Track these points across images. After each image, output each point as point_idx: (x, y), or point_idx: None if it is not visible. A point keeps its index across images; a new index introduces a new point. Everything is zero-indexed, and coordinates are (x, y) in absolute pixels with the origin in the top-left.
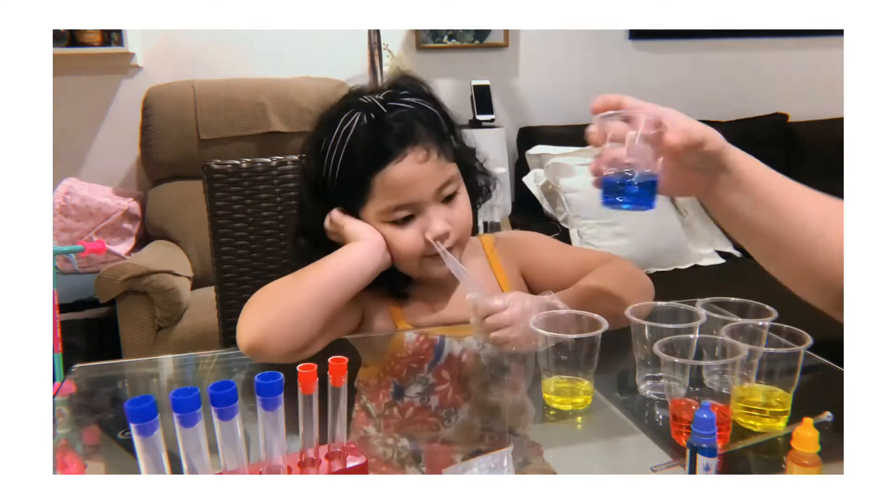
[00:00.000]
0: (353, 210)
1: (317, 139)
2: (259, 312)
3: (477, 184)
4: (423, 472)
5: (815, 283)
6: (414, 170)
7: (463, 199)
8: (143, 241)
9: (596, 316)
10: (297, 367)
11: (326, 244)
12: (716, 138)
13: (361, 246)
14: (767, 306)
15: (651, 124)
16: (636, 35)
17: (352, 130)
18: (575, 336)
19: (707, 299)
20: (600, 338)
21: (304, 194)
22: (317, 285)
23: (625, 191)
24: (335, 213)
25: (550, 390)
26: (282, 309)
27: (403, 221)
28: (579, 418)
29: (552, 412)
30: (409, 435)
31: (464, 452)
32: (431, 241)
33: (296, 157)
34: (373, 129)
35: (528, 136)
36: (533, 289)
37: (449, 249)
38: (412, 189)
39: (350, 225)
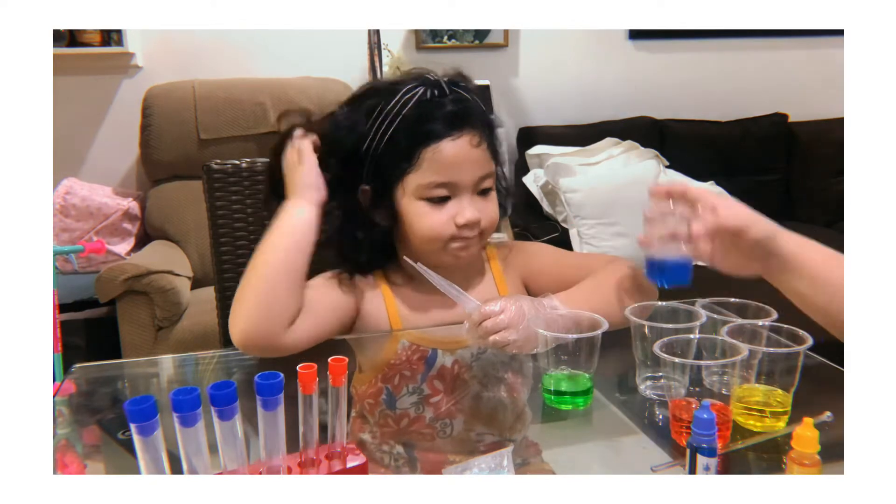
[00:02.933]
0: (390, 181)
1: (370, 104)
2: (236, 309)
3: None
4: None
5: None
6: (465, 151)
7: (494, 197)
8: (143, 241)
9: (596, 316)
10: (298, 368)
11: (358, 220)
12: (759, 227)
13: (302, 211)
14: (767, 307)
15: (707, 212)
16: (636, 35)
17: (413, 100)
18: (575, 336)
19: (707, 299)
20: (600, 338)
21: (333, 166)
22: (271, 264)
23: (665, 270)
24: (303, 141)
25: (551, 390)
26: (250, 298)
27: (438, 201)
28: (579, 418)
29: (553, 412)
30: (404, 443)
31: (460, 461)
32: (406, 261)
33: None
34: (435, 103)
35: (528, 136)
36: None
37: (471, 238)
38: (459, 169)
39: (303, 168)
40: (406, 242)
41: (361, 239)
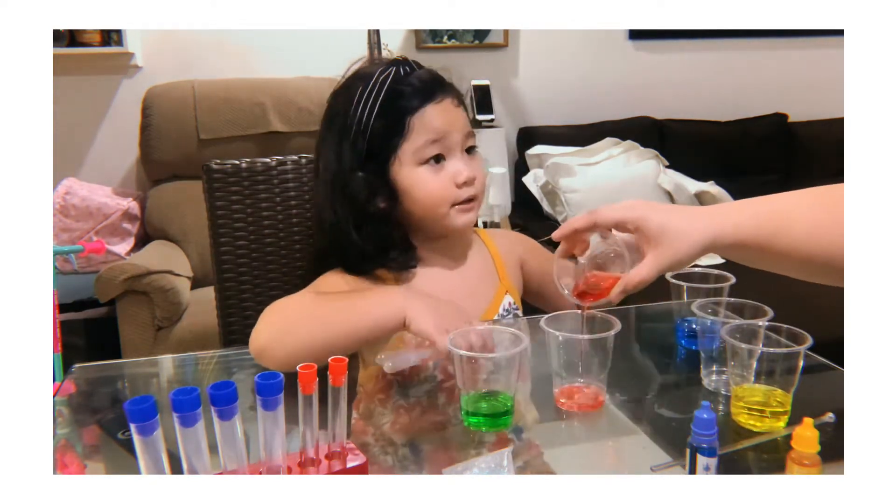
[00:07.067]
0: (387, 158)
1: (350, 92)
2: (279, 332)
3: None
4: None
5: (815, 268)
6: (449, 112)
7: (479, 156)
8: (142, 241)
9: (518, 332)
10: (298, 367)
11: (373, 219)
12: (690, 253)
13: (394, 301)
14: (764, 306)
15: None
16: (636, 35)
17: (390, 79)
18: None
19: (704, 300)
20: (519, 357)
21: (339, 162)
22: (340, 332)
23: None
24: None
25: (469, 411)
26: (298, 341)
27: (435, 162)
28: (579, 418)
29: (553, 412)
30: (410, 441)
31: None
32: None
33: (295, 157)
34: (410, 77)
35: (528, 136)
36: (529, 285)
37: (471, 199)
38: (447, 126)
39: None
40: (410, 219)
41: (370, 231)
